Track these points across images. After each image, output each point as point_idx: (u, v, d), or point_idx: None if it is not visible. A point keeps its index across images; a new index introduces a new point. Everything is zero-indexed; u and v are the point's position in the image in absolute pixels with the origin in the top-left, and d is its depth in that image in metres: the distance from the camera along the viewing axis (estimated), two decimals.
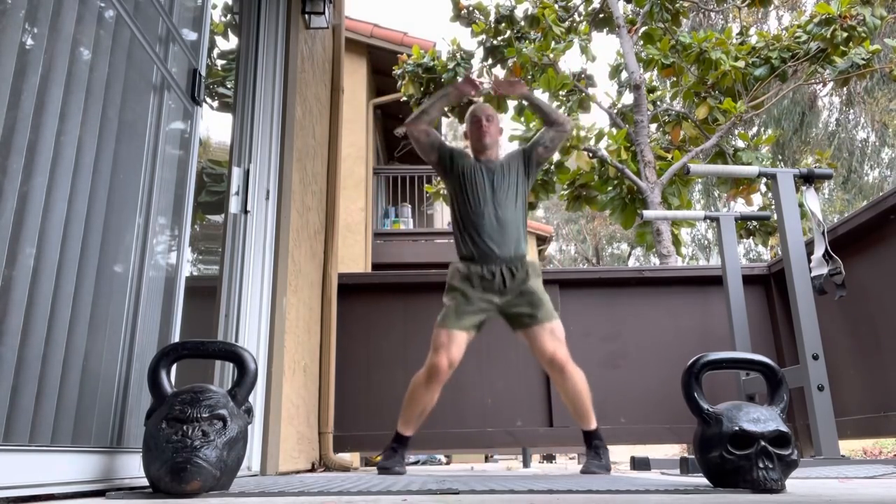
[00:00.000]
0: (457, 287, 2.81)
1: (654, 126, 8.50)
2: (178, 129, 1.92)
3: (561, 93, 7.89)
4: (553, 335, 2.75)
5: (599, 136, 7.82)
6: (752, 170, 3.23)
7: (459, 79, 3.05)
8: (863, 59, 7.05)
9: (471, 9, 8.43)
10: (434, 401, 2.78)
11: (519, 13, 8.25)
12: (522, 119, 8.08)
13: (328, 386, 3.44)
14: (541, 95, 8.12)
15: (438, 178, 8.88)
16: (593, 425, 2.80)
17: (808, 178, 3.10)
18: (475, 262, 2.82)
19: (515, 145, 6.72)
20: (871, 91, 15.89)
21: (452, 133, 21.59)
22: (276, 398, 2.51)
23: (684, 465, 2.21)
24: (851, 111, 17.13)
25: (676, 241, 7.89)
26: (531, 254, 2.98)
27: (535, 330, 2.76)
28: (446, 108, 8.00)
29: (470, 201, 2.88)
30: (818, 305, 3.00)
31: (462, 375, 3.70)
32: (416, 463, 7.61)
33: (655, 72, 7.95)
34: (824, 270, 2.97)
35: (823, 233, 3.02)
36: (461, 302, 2.78)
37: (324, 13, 3.30)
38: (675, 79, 7.97)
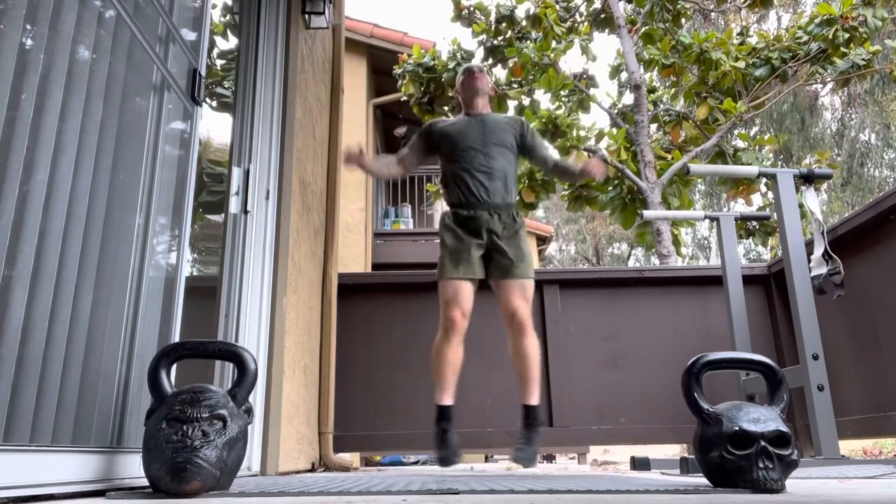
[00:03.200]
0: (446, 236, 2.87)
1: (654, 126, 8.50)
2: (178, 129, 1.92)
3: (562, 93, 7.89)
4: (523, 292, 2.81)
5: (600, 136, 7.81)
6: (752, 170, 3.23)
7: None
8: (863, 59, 7.05)
9: (471, 9, 8.42)
10: (461, 356, 2.80)
11: (520, 13, 8.25)
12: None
13: (328, 386, 3.44)
14: (541, 95, 8.14)
15: (439, 179, 8.88)
16: (536, 400, 2.84)
17: (807, 179, 3.10)
18: (463, 208, 2.87)
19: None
20: (872, 92, 15.89)
21: None
22: (276, 398, 2.51)
23: (684, 465, 2.21)
24: (854, 112, 17.13)
25: (676, 241, 7.89)
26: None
27: (510, 283, 2.81)
28: (446, 108, 7.98)
29: (459, 149, 2.93)
30: (818, 305, 3.00)
31: (462, 375, 3.70)
32: (416, 463, 7.60)
33: (656, 72, 7.95)
34: (823, 270, 2.97)
35: (823, 233, 3.02)
36: (452, 248, 2.83)
37: (324, 13, 3.30)
38: (675, 79, 7.97)
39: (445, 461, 2.73)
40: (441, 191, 3.12)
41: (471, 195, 2.86)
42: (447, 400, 2.81)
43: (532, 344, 2.80)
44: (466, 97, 3.07)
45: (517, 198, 2.98)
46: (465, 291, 2.79)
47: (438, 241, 2.93)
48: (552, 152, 3.13)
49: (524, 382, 2.83)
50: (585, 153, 7.50)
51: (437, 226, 11.28)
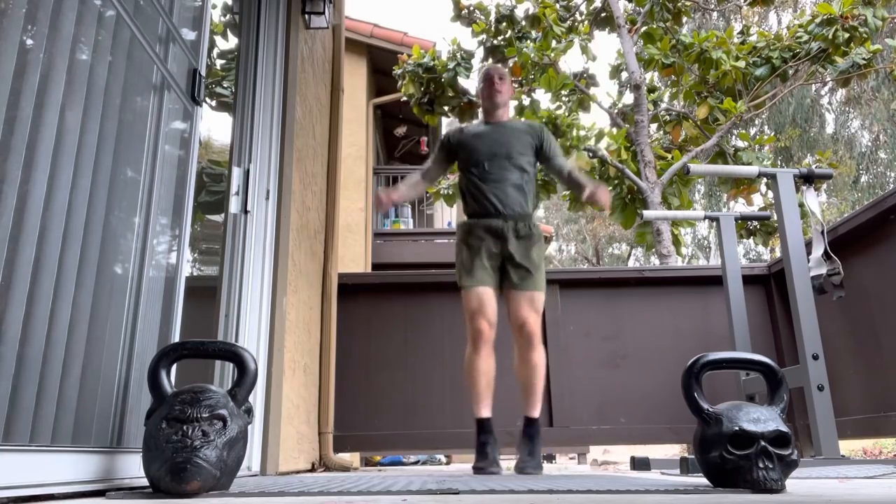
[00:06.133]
0: (463, 246, 2.86)
1: (654, 126, 8.50)
2: (178, 129, 1.92)
3: (562, 93, 7.89)
4: (532, 304, 2.78)
5: (600, 136, 7.82)
6: (752, 170, 3.23)
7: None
8: (864, 59, 7.05)
9: (471, 9, 8.43)
10: (493, 367, 2.78)
11: (520, 13, 8.25)
12: (523, 119, 8.09)
13: (328, 386, 3.44)
14: (541, 95, 8.13)
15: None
16: (537, 413, 2.82)
17: (807, 178, 3.10)
18: (480, 217, 2.86)
19: None
20: (877, 90, 15.88)
21: None
22: (276, 398, 2.51)
23: (684, 465, 2.21)
24: (857, 112, 17.13)
25: (676, 241, 7.89)
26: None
27: (519, 294, 2.79)
28: (446, 108, 7.98)
29: (478, 159, 2.90)
30: (818, 305, 3.00)
31: (462, 375, 3.70)
32: (416, 463, 7.60)
33: (656, 72, 7.95)
34: (823, 270, 2.97)
35: (823, 233, 3.02)
36: (469, 257, 2.82)
37: (324, 13, 3.30)
38: (675, 79, 7.97)
39: (481, 471, 2.69)
40: (458, 200, 3.12)
41: (489, 205, 2.84)
42: (485, 412, 2.80)
43: (539, 357, 2.78)
44: (486, 104, 3.02)
45: (534, 210, 2.94)
46: (489, 300, 2.76)
47: (455, 253, 2.91)
48: (568, 162, 3.06)
49: (528, 394, 2.81)
50: (586, 153, 7.50)
51: (436, 226, 11.23)
